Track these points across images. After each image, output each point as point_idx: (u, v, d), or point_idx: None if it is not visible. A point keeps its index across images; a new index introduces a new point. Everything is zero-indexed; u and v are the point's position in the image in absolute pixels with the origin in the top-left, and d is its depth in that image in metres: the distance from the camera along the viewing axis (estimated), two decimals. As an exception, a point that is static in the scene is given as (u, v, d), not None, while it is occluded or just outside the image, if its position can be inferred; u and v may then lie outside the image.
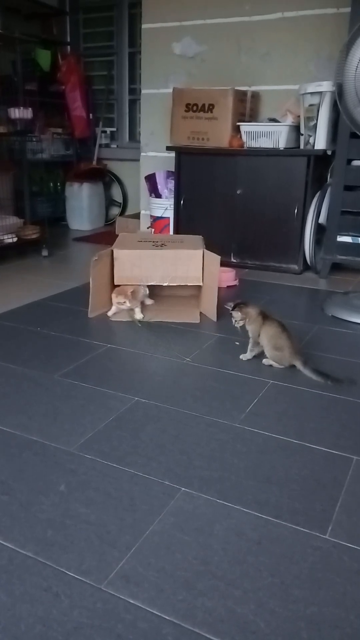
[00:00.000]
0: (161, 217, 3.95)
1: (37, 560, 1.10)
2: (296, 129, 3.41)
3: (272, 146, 3.38)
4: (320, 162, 3.36)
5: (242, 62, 3.73)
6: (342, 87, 2.41)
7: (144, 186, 4.19)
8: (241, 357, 2.10)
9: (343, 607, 1.00)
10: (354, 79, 2.35)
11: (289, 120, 3.40)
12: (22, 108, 3.69)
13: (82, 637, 0.93)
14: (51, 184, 4.88)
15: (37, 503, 1.26)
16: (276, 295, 3.01)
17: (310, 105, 3.28)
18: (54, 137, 4.81)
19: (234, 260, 3.60)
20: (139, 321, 2.47)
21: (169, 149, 3.74)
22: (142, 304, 2.64)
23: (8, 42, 3.82)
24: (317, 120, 3.25)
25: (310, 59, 3.52)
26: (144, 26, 4.00)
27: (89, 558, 1.10)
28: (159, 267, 2.57)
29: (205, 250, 2.57)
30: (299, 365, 1.96)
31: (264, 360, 2.04)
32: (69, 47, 5.09)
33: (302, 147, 3.40)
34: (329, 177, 3.46)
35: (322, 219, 3.34)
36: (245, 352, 2.09)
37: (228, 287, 3.05)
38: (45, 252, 3.77)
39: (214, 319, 2.52)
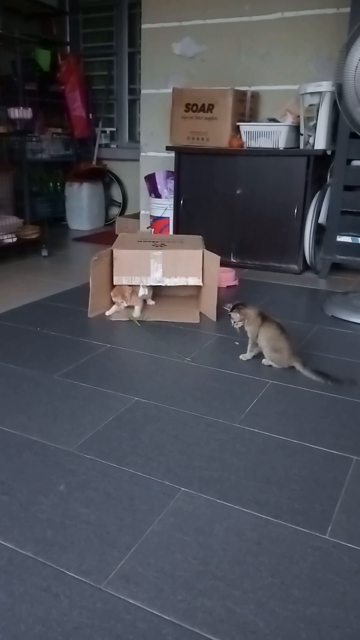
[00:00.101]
0: (161, 217, 3.95)
1: (37, 560, 1.10)
2: (296, 129, 3.41)
3: (271, 146, 3.38)
4: (320, 162, 3.36)
5: (242, 62, 3.73)
6: (342, 87, 2.42)
7: (143, 186, 4.19)
8: (241, 357, 2.10)
9: (343, 607, 1.00)
10: (354, 79, 2.35)
11: (289, 120, 3.40)
12: (21, 108, 3.70)
13: (82, 637, 0.93)
14: (51, 184, 4.88)
15: (37, 503, 1.26)
16: (276, 296, 3.01)
17: (310, 105, 3.28)
18: (54, 137, 4.81)
19: (234, 260, 3.60)
20: (139, 321, 2.47)
21: (168, 149, 3.74)
22: (145, 303, 2.64)
23: (8, 42, 3.82)
24: (316, 120, 3.25)
25: (310, 59, 3.52)
26: (143, 26, 4.00)
27: (88, 558, 1.10)
28: (159, 267, 2.57)
29: (205, 250, 2.57)
30: (298, 366, 1.96)
31: (264, 361, 2.04)
32: (68, 47, 5.09)
33: (301, 147, 3.40)
34: (328, 177, 3.46)
35: (321, 219, 3.34)
36: (244, 352, 2.09)
37: (228, 287, 3.05)
38: (45, 252, 3.77)
39: (214, 319, 2.52)
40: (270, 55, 3.63)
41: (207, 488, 1.33)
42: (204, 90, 3.55)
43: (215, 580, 1.06)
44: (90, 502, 1.27)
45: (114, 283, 2.56)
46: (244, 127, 3.46)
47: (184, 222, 3.72)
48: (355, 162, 3.12)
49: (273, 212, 3.46)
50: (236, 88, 3.49)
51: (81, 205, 4.86)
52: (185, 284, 2.61)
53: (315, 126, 3.27)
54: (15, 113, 3.71)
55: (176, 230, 3.75)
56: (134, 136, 5.13)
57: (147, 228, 4.15)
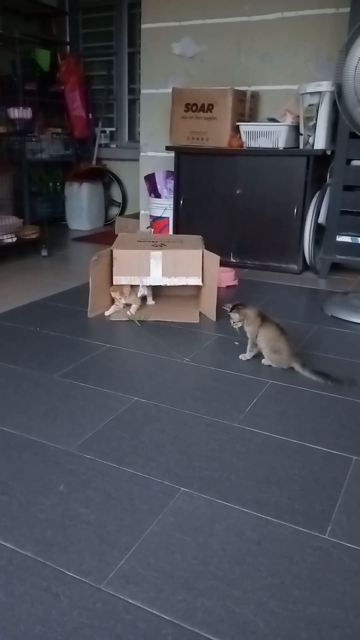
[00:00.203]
0: (161, 217, 3.95)
1: (37, 560, 1.10)
2: (295, 129, 3.41)
3: (271, 146, 3.38)
4: (319, 162, 3.37)
5: (242, 62, 3.73)
6: (342, 87, 2.42)
7: (143, 186, 4.19)
8: (240, 357, 2.10)
9: (343, 607, 1.00)
10: (354, 79, 2.35)
11: (289, 120, 3.40)
12: (21, 108, 3.70)
13: (82, 637, 0.93)
14: (51, 184, 4.88)
15: (37, 503, 1.26)
16: (276, 295, 3.01)
17: (310, 105, 3.28)
18: (54, 137, 4.81)
19: (234, 260, 3.60)
20: (139, 321, 2.47)
21: (168, 149, 3.74)
22: (144, 302, 2.64)
23: (8, 42, 3.83)
24: (316, 120, 3.25)
25: (310, 59, 3.52)
26: (143, 26, 4.00)
27: (88, 558, 1.10)
28: (159, 267, 2.57)
29: (204, 250, 2.57)
30: (297, 367, 1.96)
31: (263, 361, 2.04)
32: (68, 47, 5.09)
33: (301, 147, 3.40)
34: (328, 177, 3.46)
35: (321, 219, 3.34)
36: (244, 352, 2.10)
37: (228, 287, 3.05)
38: (44, 252, 3.77)
39: (214, 319, 2.52)
40: (270, 55, 3.63)
41: (207, 488, 1.33)
42: (204, 90, 3.55)
43: (215, 580, 1.06)
44: (90, 502, 1.27)
45: (114, 283, 2.56)
46: (244, 127, 3.46)
47: (184, 222, 3.72)
48: (355, 162, 3.12)
49: (273, 212, 3.46)
50: (236, 88, 3.49)
51: (81, 205, 4.86)
52: (185, 284, 2.61)
53: (314, 126, 3.27)
54: (15, 113, 3.71)
55: (176, 230, 3.75)
56: (133, 136, 5.13)
57: (147, 228, 4.15)
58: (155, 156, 4.17)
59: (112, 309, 2.57)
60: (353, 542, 1.16)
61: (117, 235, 2.94)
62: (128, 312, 2.53)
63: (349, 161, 3.12)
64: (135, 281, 2.57)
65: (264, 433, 1.59)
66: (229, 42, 3.73)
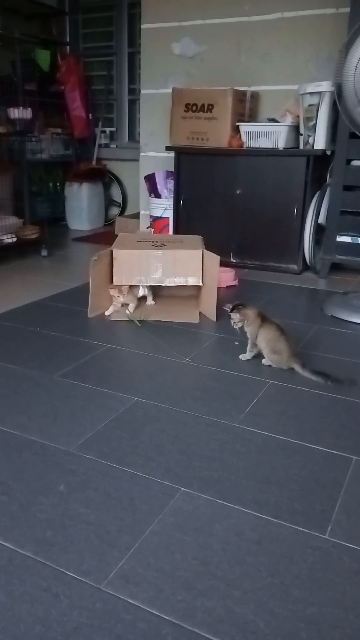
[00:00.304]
0: (161, 217, 3.95)
1: (37, 560, 1.10)
2: (295, 129, 3.41)
3: (271, 146, 3.38)
4: (319, 162, 3.37)
5: (242, 62, 3.73)
6: (342, 87, 2.42)
7: (143, 186, 4.19)
8: (240, 357, 2.10)
9: (343, 607, 1.00)
10: (353, 79, 2.35)
11: (289, 120, 3.40)
12: (21, 108, 3.70)
13: (82, 637, 0.93)
14: (51, 184, 4.88)
15: (37, 503, 1.26)
16: (275, 296, 3.01)
17: (310, 105, 3.28)
18: (54, 137, 4.81)
19: (234, 260, 3.60)
20: (139, 321, 2.47)
21: (168, 149, 3.74)
22: (144, 302, 2.64)
23: (8, 42, 3.83)
24: (316, 120, 3.25)
25: (310, 59, 3.52)
26: (143, 26, 4.00)
27: (88, 558, 1.10)
28: (159, 267, 2.57)
29: (204, 250, 2.57)
30: (297, 368, 1.96)
31: (264, 361, 2.04)
32: (68, 47, 5.09)
33: (301, 147, 3.40)
34: (328, 177, 3.46)
35: (321, 219, 3.34)
36: (244, 352, 2.10)
37: (227, 287, 3.05)
38: (44, 252, 3.77)
39: (214, 319, 2.52)
40: (269, 55, 3.63)
41: (207, 488, 1.33)
42: (204, 90, 3.55)
43: (215, 580, 1.06)
44: (90, 502, 1.27)
45: (114, 283, 2.56)
46: (244, 127, 3.46)
47: (184, 222, 3.72)
48: (355, 162, 3.12)
49: (273, 212, 3.46)
50: (236, 88, 3.49)
51: (81, 205, 4.86)
52: (185, 284, 2.61)
53: (314, 126, 3.27)
54: (15, 113, 3.71)
55: (176, 230, 3.75)
56: (133, 136, 5.13)
57: (147, 228, 4.15)
58: (155, 156, 4.17)
59: (112, 308, 2.57)
60: (353, 542, 1.16)
61: (117, 236, 2.94)
62: (127, 312, 2.53)
63: (349, 161, 3.12)
64: (135, 281, 2.57)
65: (264, 433, 1.59)
66: (228, 42, 3.73)
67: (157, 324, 2.47)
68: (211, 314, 2.54)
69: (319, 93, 3.21)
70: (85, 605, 0.99)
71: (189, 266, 2.57)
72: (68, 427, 1.59)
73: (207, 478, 1.37)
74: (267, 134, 3.38)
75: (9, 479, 1.35)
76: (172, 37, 3.90)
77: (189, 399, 1.78)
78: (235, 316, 2.04)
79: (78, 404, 1.73)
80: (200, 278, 2.58)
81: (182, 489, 1.32)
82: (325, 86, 3.17)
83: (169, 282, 2.59)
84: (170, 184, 3.85)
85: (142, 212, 4.39)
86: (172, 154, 3.71)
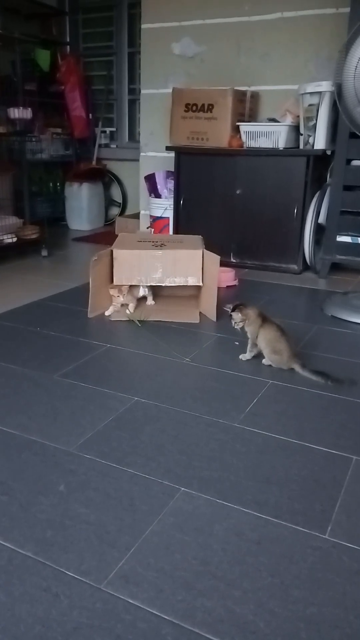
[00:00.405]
0: (161, 217, 3.95)
1: (37, 560, 1.10)
2: (295, 129, 3.41)
3: (271, 146, 3.38)
4: (319, 162, 3.37)
5: (242, 62, 3.73)
6: (342, 87, 2.42)
7: (143, 186, 4.19)
8: (240, 357, 2.10)
9: (343, 607, 1.00)
10: (354, 78, 2.35)
11: (289, 120, 3.40)
12: (21, 108, 3.70)
13: (82, 637, 0.93)
14: (51, 184, 4.88)
15: (37, 503, 1.26)
16: (276, 295, 3.01)
17: (310, 105, 3.28)
18: (54, 137, 4.81)
19: (234, 260, 3.60)
20: (139, 321, 2.47)
21: (168, 149, 3.74)
22: (144, 302, 2.64)
23: (8, 42, 3.83)
24: (316, 120, 3.25)
25: (310, 59, 3.52)
26: (143, 26, 4.01)
27: (88, 558, 1.10)
28: (159, 267, 2.57)
29: (204, 250, 2.57)
30: (297, 368, 1.96)
31: (264, 361, 2.04)
32: (68, 47, 5.09)
33: (301, 147, 3.40)
34: (328, 177, 3.46)
35: (321, 219, 3.34)
36: (244, 352, 2.10)
37: (228, 287, 3.05)
38: (44, 252, 3.77)
39: (214, 319, 2.52)
40: (269, 55, 3.63)
41: (206, 488, 1.33)
42: (204, 90, 3.55)
43: (215, 580, 1.06)
44: (90, 502, 1.27)
45: (114, 283, 2.56)
46: (244, 127, 3.46)
47: (184, 222, 3.72)
48: (355, 162, 3.12)
49: (273, 212, 3.46)
50: (236, 88, 3.49)
51: (81, 205, 4.86)
52: (185, 284, 2.61)
53: (314, 126, 3.27)
54: (15, 113, 3.72)
55: (176, 230, 3.76)
56: (133, 136, 5.13)
57: (147, 228, 4.16)
58: (155, 156, 4.17)
59: (112, 308, 2.57)
60: (353, 542, 1.16)
61: (117, 236, 2.94)
62: (127, 312, 2.53)
63: (349, 161, 3.12)
64: (135, 281, 2.57)
65: (264, 433, 1.59)
66: (228, 42, 3.73)
67: (157, 324, 2.47)
68: (211, 314, 2.54)
69: (319, 93, 3.21)
70: (85, 605, 0.99)
71: (189, 266, 2.57)
72: (68, 427, 1.59)
73: (207, 478, 1.37)
74: (267, 134, 3.38)
75: (9, 479, 1.35)
76: (172, 37, 3.90)
77: (189, 399, 1.78)
78: (236, 316, 2.04)
79: (78, 404, 1.73)
80: (200, 278, 2.58)
81: (182, 489, 1.32)
82: (325, 86, 3.17)
83: (169, 282, 2.59)
84: (170, 184, 3.85)
85: (142, 212, 4.39)
86: (172, 154, 3.71)
